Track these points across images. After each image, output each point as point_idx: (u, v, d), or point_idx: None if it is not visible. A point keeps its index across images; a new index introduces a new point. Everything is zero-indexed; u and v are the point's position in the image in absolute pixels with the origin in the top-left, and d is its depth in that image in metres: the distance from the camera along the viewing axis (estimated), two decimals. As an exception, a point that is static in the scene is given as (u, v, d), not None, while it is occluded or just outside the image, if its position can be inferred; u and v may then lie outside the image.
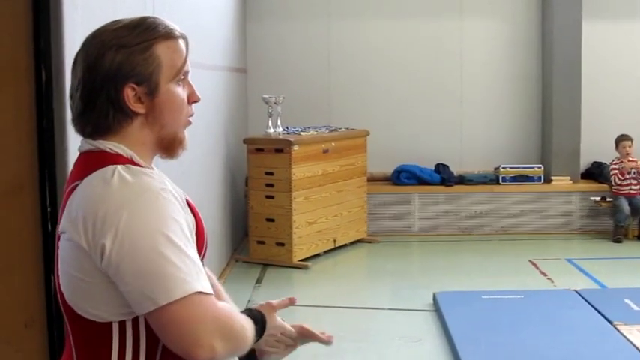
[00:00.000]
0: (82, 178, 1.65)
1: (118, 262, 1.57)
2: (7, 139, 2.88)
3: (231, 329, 1.62)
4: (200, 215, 1.76)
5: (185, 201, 1.71)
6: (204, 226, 1.76)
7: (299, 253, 7.38)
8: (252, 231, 7.50)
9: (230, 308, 1.68)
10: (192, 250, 1.61)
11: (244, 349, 1.71)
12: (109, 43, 1.66)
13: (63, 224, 1.67)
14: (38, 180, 2.92)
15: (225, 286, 7.39)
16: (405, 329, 5.60)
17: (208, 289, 1.59)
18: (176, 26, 1.74)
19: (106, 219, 1.57)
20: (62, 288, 1.70)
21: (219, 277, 6.83)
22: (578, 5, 8.80)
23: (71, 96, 1.72)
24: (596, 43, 9.03)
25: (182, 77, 1.73)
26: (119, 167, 1.63)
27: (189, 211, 1.70)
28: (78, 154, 1.75)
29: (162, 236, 1.56)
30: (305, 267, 7.30)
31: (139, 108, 1.68)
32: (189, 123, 1.78)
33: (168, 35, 1.71)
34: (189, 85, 1.77)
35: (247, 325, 1.70)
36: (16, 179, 2.91)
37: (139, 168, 1.65)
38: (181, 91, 1.74)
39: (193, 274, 1.57)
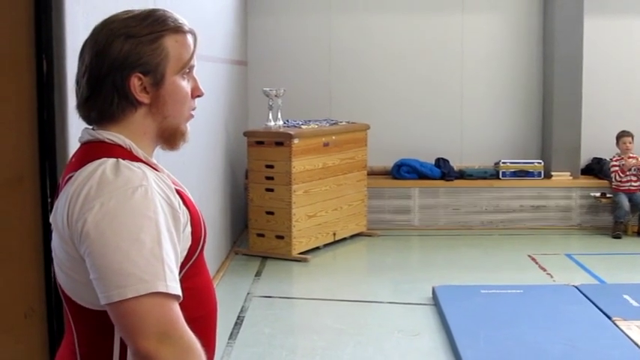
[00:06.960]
0: (77, 169, 1.66)
1: (85, 253, 1.58)
2: (7, 130, 2.88)
3: (180, 338, 1.55)
4: (196, 207, 1.76)
5: (177, 193, 1.69)
6: (201, 217, 1.76)
7: (298, 246, 7.38)
8: (252, 224, 7.50)
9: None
10: (168, 246, 1.58)
11: None
12: (118, 32, 1.67)
13: (52, 215, 1.69)
14: (38, 171, 2.92)
15: (225, 278, 7.39)
16: (404, 323, 5.61)
17: (172, 289, 1.55)
18: (185, 21, 1.75)
19: (81, 210, 1.58)
20: (57, 278, 1.72)
21: (219, 270, 6.83)
22: (580, 0, 8.80)
23: (77, 82, 1.72)
24: (597, 38, 9.02)
25: (187, 71, 1.75)
26: (109, 161, 1.63)
27: (180, 204, 1.68)
28: (79, 144, 1.75)
29: (127, 232, 1.55)
30: (304, 260, 7.30)
31: (144, 98, 1.70)
32: (192, 116, 1.80)
33: (178, 29, 1.72)
34: (194, 79, 1.78)
35: (201, 348, 1.61)
36: (16, 170, 2.91)
37: (126, 162, 1.64)
38: (186, 85, 1.75)
39: (153, 273, 1.54)
